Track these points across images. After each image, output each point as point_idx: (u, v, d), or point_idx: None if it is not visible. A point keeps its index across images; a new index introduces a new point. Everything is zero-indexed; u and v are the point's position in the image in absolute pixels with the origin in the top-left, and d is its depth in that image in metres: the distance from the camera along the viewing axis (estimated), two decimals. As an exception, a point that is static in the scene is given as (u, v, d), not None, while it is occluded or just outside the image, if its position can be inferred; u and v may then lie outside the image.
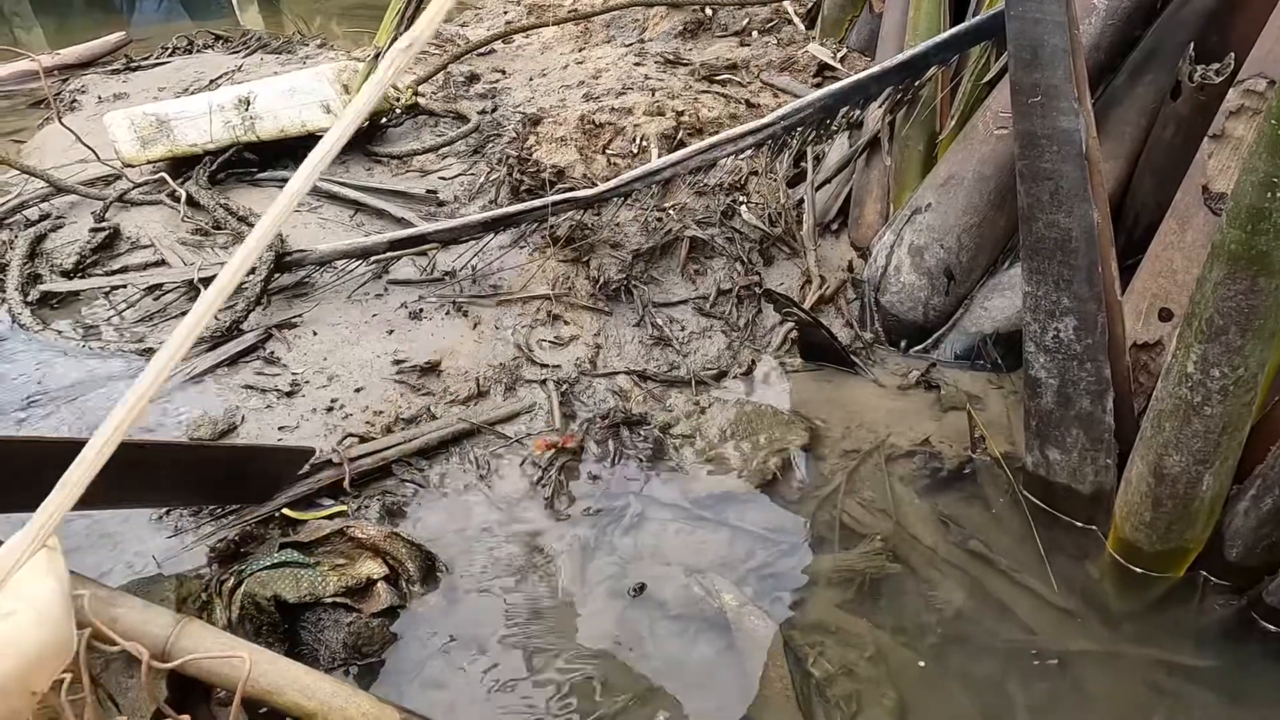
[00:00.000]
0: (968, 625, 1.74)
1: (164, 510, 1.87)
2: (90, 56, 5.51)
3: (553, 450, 2.04)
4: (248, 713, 1.40)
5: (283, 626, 1.57)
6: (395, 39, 2.88)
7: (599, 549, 1.86)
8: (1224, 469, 1.61)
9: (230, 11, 8.90)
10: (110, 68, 5.00)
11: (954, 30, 2.34)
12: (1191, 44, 2.12)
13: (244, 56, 4.75)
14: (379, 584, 1.65)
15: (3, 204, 3.22)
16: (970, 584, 1.82)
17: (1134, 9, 2.20)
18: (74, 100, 4.36)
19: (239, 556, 1.71)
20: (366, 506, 1.87)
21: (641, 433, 2.15)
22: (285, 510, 1.81)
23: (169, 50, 5.46)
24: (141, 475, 1.61)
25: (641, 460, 2.08)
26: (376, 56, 3.04)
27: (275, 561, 1.61)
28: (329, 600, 1.59)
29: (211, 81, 4.23)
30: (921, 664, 1.66)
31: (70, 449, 1.08)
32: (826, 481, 2.06)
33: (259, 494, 1.81)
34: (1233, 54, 2.04)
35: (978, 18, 2.35)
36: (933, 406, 2.30)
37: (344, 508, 1.86)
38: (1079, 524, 1.90)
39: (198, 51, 5.49)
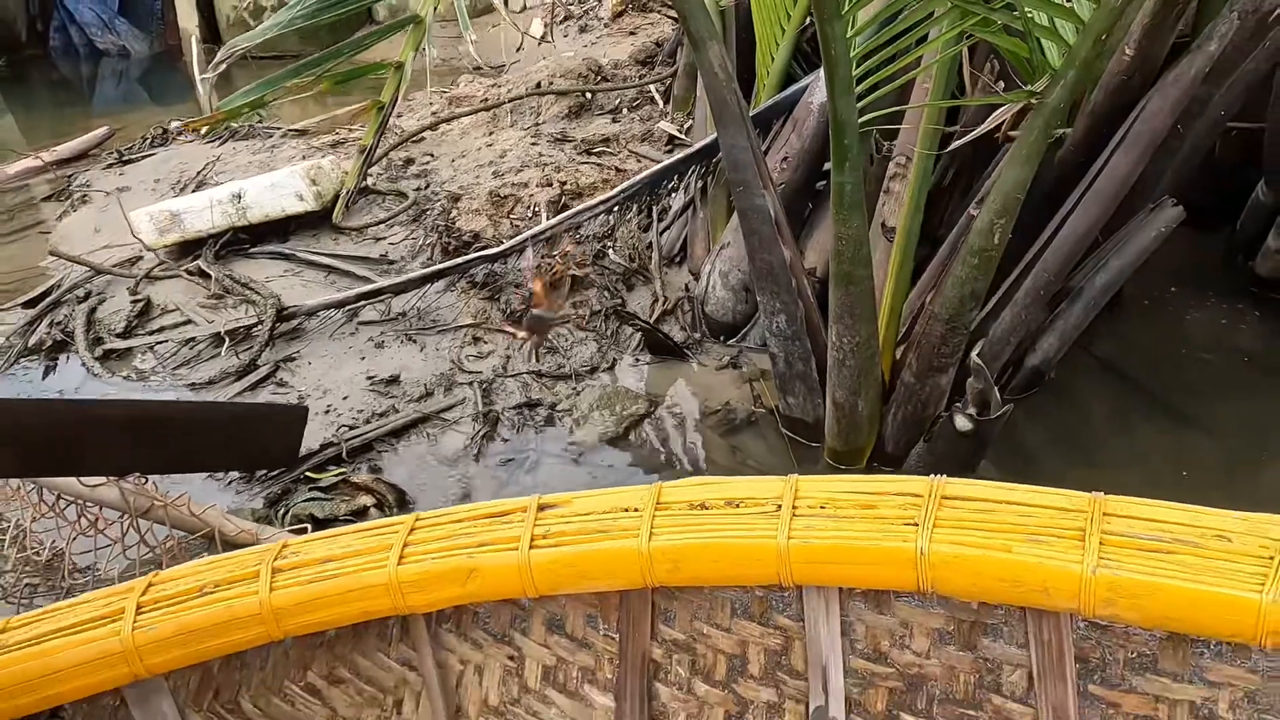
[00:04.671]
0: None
1: (222, 477, 2.90)
2: (82, 150, 6.46)
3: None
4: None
5: (316, 534, 2.61)
6: (378, 138, 3.85)
7: (509, 483, 2.94)
8: (870, 397, 2.73)
9: (188, 92, 9.77)
10: (105, 163, 5.98)
11: (730, 126, 3.45)
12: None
13: (219, 145, 5.76)
14: (370, 509, 2.71)
15: (55, 286, 4.22)
16: (743, 485, 2.91)
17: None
18: (84, 196, 5.35)
19: (282, 500, 2.75)
20: (359, 468, 2.93)
21: (538, 411, 3.23)
22: (308, 473, 2.86)
23: (149, 140, 6.44)
24: (168, 436, 2.35)
25: (537, 428, 3.17)
26: (363, 152, 4.03)
27: (308, 498, 2.66)
28: (342, 517, 2.64)
29: (198, 172, 5.23)
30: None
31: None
32: (659, 432, 3.16)
33: (284, 457, 2.79)
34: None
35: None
36: (737, 380, 3.40)
37: (344, 470, 2.91)
38: (813, 444, 3.01)
39: (173, 140, 6.49)
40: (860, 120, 2.27)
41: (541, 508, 1.36)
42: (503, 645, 1.45)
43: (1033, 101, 2.19)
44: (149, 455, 2.27)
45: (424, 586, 1.35)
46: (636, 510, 1.31)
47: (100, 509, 2.46)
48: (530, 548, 1.31)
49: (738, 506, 1.28)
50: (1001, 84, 2.79)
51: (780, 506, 1.24)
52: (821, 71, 3.23)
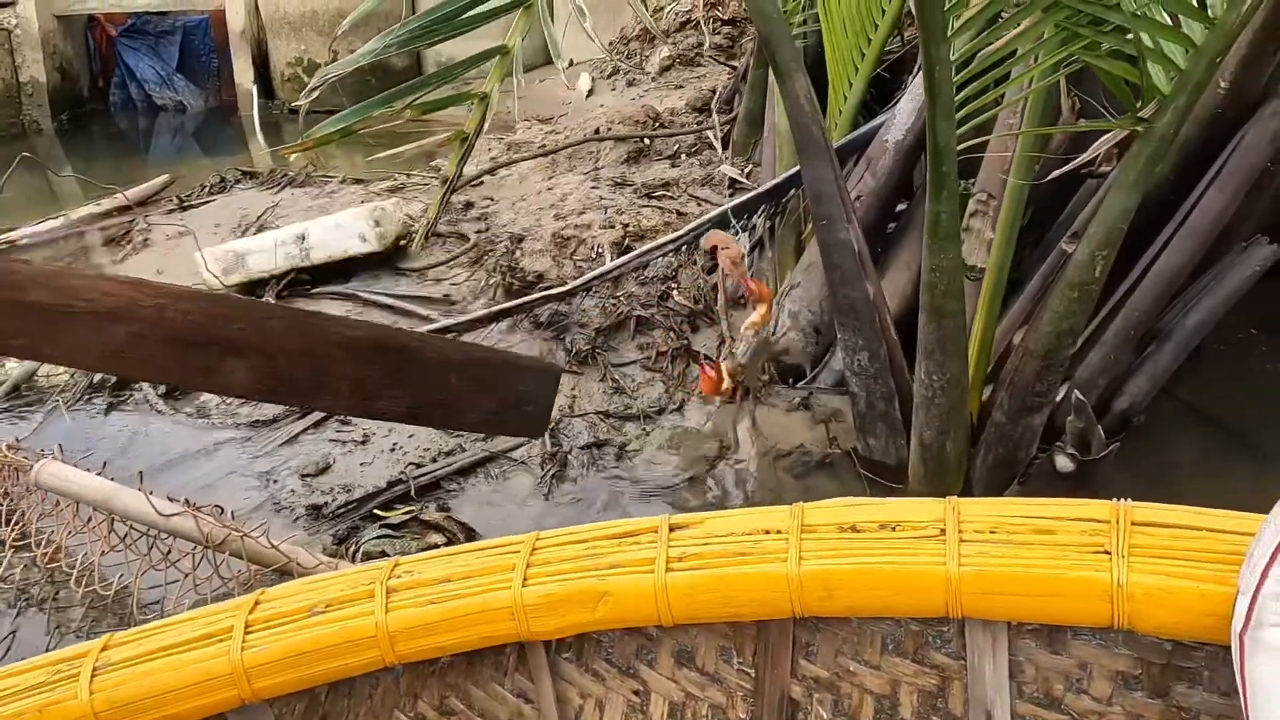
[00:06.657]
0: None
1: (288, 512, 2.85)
2: (143, 196, 6.57)
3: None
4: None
5: (387, 572, 2.54)
6: (461, 167, 3.67)
7: (580, 522, 2.83)
8: (958, 438, 2.63)
9: (240, 144, 9.99)
10: (165, 209, 6.07)
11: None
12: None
13: (277, 193, 5.83)
14: (441, 547, 2.63)
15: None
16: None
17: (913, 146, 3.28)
18: (145, 239, 5.41)
19: (350, 537, 2.69)
20: (427, 505, 2.86)
21: (607, 451, 3.15)
22: (376, 510, 2.80)
23: (207, 188, 6.54)
24: (421, 373, 2.03)
25: (607, 469, 3.08)
26: (444, 183, 3.93)
27: (378, 535, 2.59)
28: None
29: (258, 217, 5.29)
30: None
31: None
32: (733, 474, 3.06)
33: (536, 422, 2.50)
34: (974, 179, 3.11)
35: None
36: (809, 421, 3.31)
37: (413, 508, 2.84)
38: (894, 485, 2.90)
39: (231, 188, 6.58)
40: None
41: (673, 528, 1.28)
42: (627, 678, 1.36)
43: (1138, 129, 2.13)
44: (397, 393, 2.03)
45: (551, 611, 1.27)
46: (780, 532, 1.23)
47: (173, 540, 2.41)
48: (667, 570, 1.24)
49: (894, 530, 1.19)
50: (1076, 116, 2.74)
51: (944, 530, 1.16)
52: (898, 109, 3.21)
